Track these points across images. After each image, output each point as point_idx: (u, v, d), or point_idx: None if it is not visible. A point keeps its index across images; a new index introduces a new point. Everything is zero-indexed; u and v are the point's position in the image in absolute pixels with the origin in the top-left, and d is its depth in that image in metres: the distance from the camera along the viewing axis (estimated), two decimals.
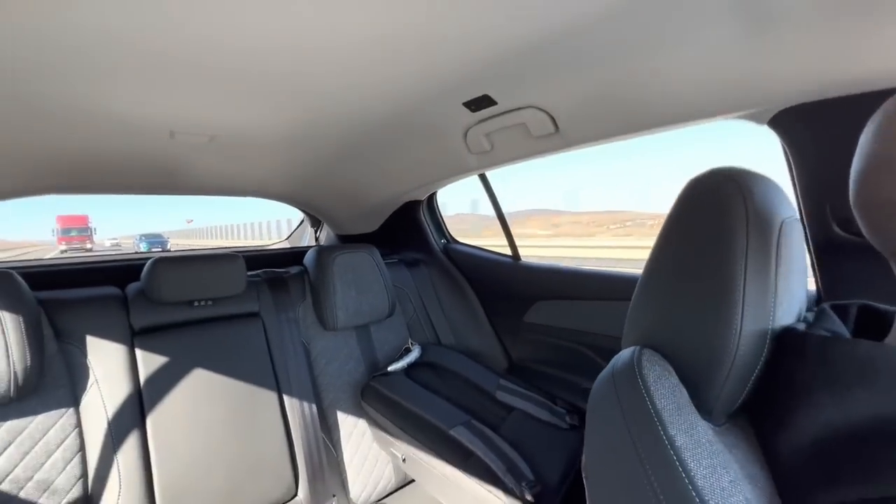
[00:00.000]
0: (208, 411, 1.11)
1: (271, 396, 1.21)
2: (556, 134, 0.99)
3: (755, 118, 0.80)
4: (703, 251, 0.42)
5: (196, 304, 1.18)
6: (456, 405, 1.19)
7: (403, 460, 1.20)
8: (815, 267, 0.88)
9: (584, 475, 0.48)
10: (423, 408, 1.17)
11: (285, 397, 1.24)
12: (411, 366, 1.41)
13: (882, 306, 0.47)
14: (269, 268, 1.49)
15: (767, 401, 0.42)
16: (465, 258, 1.76)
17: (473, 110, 0.99)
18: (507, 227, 1.58)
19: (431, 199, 1.80)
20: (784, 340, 0.42)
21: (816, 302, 0.92)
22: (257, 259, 1.61)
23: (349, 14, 0.62)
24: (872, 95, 0.67)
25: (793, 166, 0.81)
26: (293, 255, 1.67)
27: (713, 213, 0.42)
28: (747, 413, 0.46)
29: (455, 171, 1.33)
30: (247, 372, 1.19)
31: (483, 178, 1.48)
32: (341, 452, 1.30)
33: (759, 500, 0.36)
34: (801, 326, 0.45)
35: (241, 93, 0.84)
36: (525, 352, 1.57)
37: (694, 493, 0.34)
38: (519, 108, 0.96)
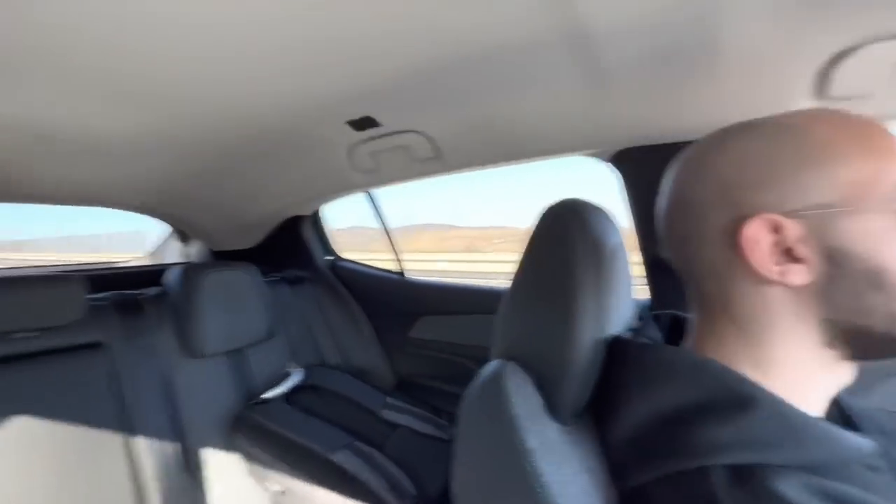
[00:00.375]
0: (33, 467, 0.92)
1: (116, 441, 1.04)
2: (436, 158, 1.04)
3: (599, 156, 0.94)
4: (551, 272, 0.48)
5: (15, 335, 0.97)
6: (339, 428, 1.16)
7: (282, 493, 1.12)
8: (649, 281, 1.05)
9: (452, 482, 0.51)
10: (302, 435, 1.11)
11: (139, 439, 1.07)
12: (293, 391, 1.34)
13: (684, 315, 0.58)
14: (122, 289, 1.30)
15: (604, 401, 0.50)
16: (351, 275, 1.73)
17: (357, 129, 1.00)
18: (393, 243, 1.60)
19: (317, 214, 1.74)
20: (613, 348, 0.49)
21: (651, 310, 1.10)
22: (106, 279, 1.39)
23: (228, 26, 0.59)
24: (687, 144, 0.85)
25: (628, 198, 0.96)
26: (151, 274, 1.47)
27: (558, 239, 0.49)
28: (591, 413, 0.53)
29: (340, 189, 1.32)
30: (84, 415, 1.01)
31: (368, 195, 1.49)
32: (209, 494, 1.17)
33: (595, 487, 0.43)
34: (628, 335, 0.54)
35: (80, 90, 0.73)
36: (412, 367, 1.59)
37: (539, 488, 0.39)
38: (401, 132, 0.99)
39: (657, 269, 1.03)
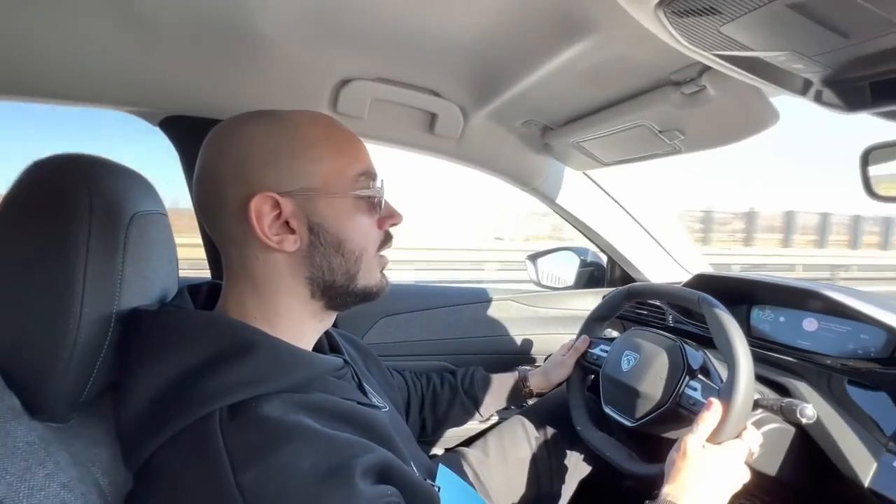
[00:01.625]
0: None
1: None
2: None
3: (148, 118, 0.85)
4: (40, 242, 0.40)
5: None
6: None
7: None
8: (207, 252, 1.05)
9: None
10: None
11: None
12: None
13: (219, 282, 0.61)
14: None
15: (117, 380, 0.47)
16: None
17: None
18: None
19: None
20: (129, 321, 0.47)
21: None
22: None
23: None
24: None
25: (182, 166, 0.92)
26: None
27: (54, 201, 0.41)
28: (107, 398, 0.48)
29: None
30: None
31: None
32: None
33: (86, 479, 0.40)
34: (155, 307, 0.52)
35: None
36: None
37: None
38: None
39: (213, 243, 1.04)
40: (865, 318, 0.73)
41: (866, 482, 0.67)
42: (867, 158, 0.65)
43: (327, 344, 0.65)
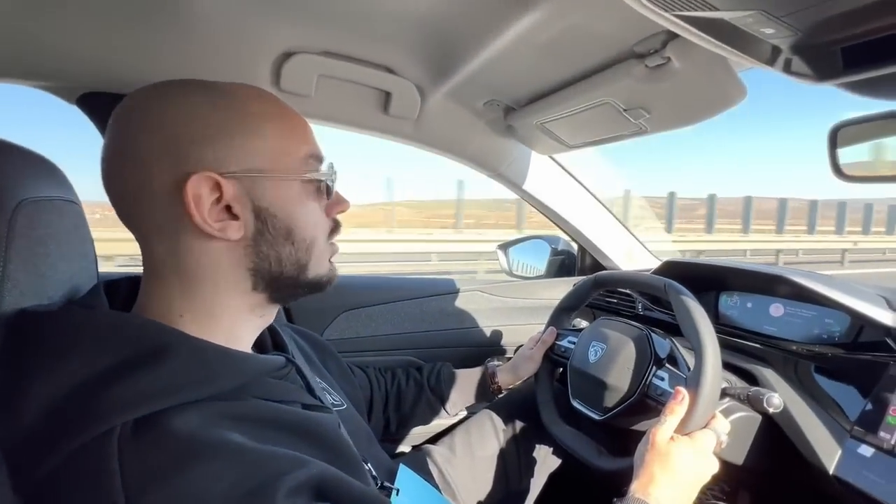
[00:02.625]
0: None
1: None
2: None
3: (63, 94, 0.76)
4: None
5: None
6: None
7: None
8: None
9: None
10: None
11: None
12: None
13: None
14: None
15: (6, 392, 0.40)
16: None
17: None
18: None
19: None
20: (15, 324, 0.40)
21: None
22: None
23: None
24: None
25: None
26: None
27: None
28: None
29: None
30: None
31: None
32: None
33: None
34: (54, 307, 0.45)
35: None
36: None
37: None
38: None
39: None
40: (830, 302, 0.71)
41: (831, 469, 0.65)
42: (835, 138, 0.62)
43: (270, 341, 0.59)
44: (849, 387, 0.70)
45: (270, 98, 0.49)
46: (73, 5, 0.62)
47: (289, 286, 0.49)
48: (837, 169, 0.62)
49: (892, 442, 0.61)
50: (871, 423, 0.64)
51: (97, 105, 0.76)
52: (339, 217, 0.54)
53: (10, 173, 0.41)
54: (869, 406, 0.66)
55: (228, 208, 0.44)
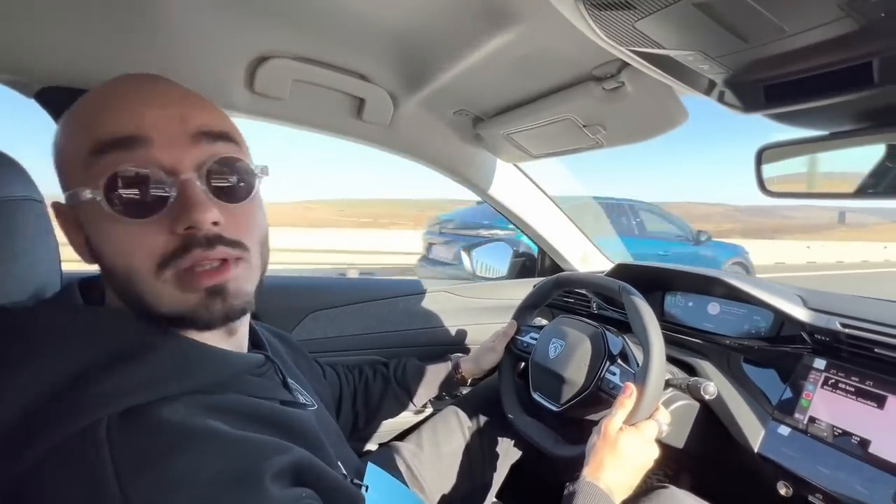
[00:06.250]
0: None
1: None
2: None
3: (23, 89, 0.73)
4: None
5: None
6: None
7: None
8: None
9: None
10: None
11: None
12: None
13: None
14: None
15: None
16: None
17: None
18: None
19: None
20: None
21: None
22: None
23: None
24: None
25: None
26: None
27: None
28: None
29: None
30: None
31: None
32: None
33: None
34: (29, 304, 0.45)
35: None
36: None
37: None
38: None
39: None
40: (757, 301, 0.81)
41: (756, 447, 0.74)
42: (760, 157, 0.71)
43: (249, 340, 0.60)
44: (772, 375, 0.80)
45: (121, 80, 0.44)
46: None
47: (162, 324, 0.43)
48: (762, 185, 0.71)
49: (805, 422, 0.71)
50: (788, 406, 0.74)
51: (56, 101, 0.73)
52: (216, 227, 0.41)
53: None
54: (787, 392, 0.75)
55: None
